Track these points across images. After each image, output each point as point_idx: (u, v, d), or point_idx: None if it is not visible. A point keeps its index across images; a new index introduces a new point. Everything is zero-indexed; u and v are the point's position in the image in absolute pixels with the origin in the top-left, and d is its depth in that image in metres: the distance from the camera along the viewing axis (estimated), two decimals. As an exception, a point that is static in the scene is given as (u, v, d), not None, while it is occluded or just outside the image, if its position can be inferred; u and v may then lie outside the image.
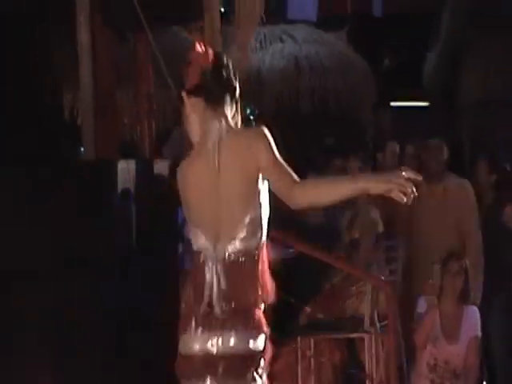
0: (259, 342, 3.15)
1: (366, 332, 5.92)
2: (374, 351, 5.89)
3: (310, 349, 6.05)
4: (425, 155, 6.84)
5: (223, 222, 3.16)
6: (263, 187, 3.20)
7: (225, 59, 3.32)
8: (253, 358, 3.14)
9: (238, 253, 3.14)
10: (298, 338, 6.01)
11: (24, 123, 6.07)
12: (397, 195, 3.05)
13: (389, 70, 11.63)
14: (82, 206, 5.37)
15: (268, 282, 3.21)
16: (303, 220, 6.81)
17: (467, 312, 5.91)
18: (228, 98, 3.28)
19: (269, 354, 3.19)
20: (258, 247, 3.17)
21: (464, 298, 5.92)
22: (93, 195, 5.43)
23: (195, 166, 3.23)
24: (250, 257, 3.15)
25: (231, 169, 3.16)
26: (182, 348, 3.19)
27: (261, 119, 8.87)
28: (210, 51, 3.30)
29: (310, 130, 9.27)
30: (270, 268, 3.24)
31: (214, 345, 3.13)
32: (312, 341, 6.05)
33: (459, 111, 10.08)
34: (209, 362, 3.13)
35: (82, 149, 6.54)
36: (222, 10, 6.75)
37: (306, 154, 8.54)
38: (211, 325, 3.13)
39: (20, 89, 6.00)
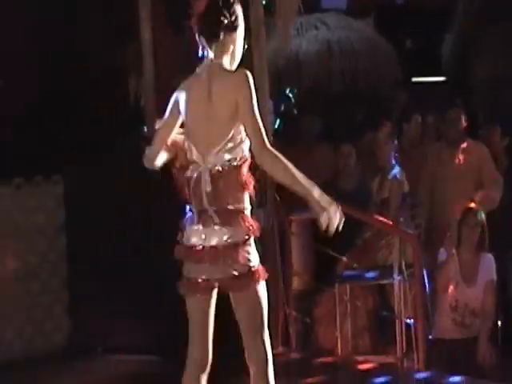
0: (246, 234, 3.41)
1: (395, 279, 6.06)
2: (402, 295, 6.03)
3: (346, 294, 6.25)
4: (445, 123, 6.98)
5: (211, 139, 3.43)
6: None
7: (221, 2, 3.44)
8: (244, 243, 3.41)
9: (222, 163, 3.41)
10: (336, 285, 6.22)
11: (94, 109, 6.40)
12: (324, 220, 3.30)
13: (411, 51, 11.74)
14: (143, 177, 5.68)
15: (251, 187, 3.46)
16: (340, 184, 7.09)
17: (483, 259, 6.01)
18: (223, 37, 3.45)
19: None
20: (240, 160, 3.42)
21: (481, 247, 6.04)
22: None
23: (192, 92, 3.49)
24: (232, 166, 3.41)
25: (219, 101, 3.40)
26: (185, 240, 3.47)
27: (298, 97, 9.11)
28: None
29: (342, 107, 9.40)
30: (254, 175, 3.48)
31: (209, 238, 3.41)
32: (348, 287, 6.26)
33: (473, 86, 10.17)
34: (207, 252, 3.41)
35: (146, 128, 6.84)
36: (264, 2, 6.92)
37: (340, 129, 8.72)
38: (206, 223, 3.42)
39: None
